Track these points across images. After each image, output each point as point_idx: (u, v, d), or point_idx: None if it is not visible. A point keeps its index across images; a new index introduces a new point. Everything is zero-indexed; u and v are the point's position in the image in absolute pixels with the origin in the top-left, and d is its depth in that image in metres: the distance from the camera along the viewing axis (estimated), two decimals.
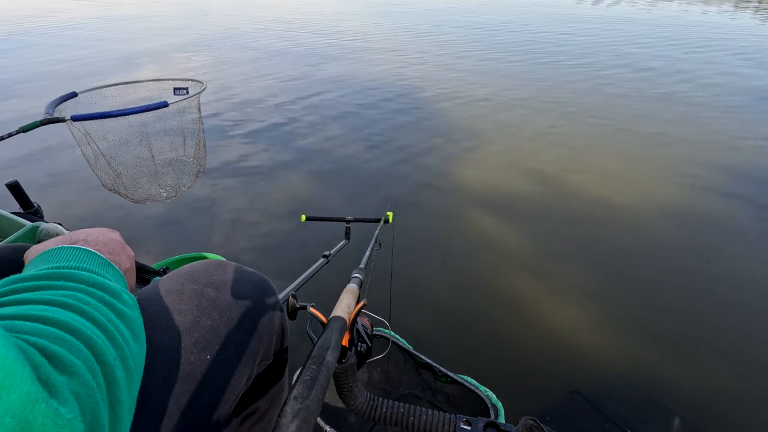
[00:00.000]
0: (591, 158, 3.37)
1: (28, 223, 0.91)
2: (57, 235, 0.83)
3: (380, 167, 3.16)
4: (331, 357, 0.45)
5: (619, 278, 2.10)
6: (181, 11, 11.43)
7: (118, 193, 1.48)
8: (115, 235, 0.51)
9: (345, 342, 0.60)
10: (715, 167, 3.21)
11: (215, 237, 2.29)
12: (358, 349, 0.75)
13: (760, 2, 14.91)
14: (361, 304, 0.61)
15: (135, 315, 0.38)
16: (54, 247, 0.42)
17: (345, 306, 0.63)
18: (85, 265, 0.39)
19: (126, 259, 0.49)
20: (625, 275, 2.12)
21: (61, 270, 0.37)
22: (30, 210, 1.14)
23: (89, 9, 11.34)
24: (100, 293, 0.36)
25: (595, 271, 2.15)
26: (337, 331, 0.52)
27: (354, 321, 0.61)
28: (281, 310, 0.61)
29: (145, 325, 0.42)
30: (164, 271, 0.96)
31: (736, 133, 3.84)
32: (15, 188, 1.11)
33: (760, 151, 3.51)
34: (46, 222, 1.15)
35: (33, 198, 1.19)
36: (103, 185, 1.47)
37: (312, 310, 0.57)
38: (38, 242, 0.89)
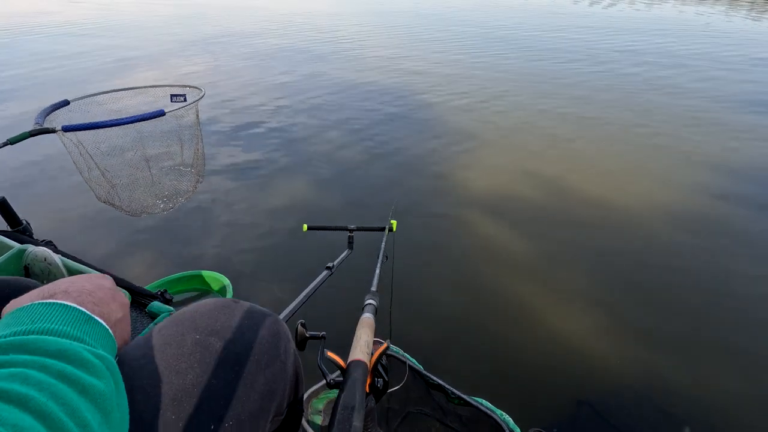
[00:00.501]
0: (593, 161, 3.34)
1: (16, 245, 0.84)
2: (45, 260, 0.77)
3: (380, 171, 3.11)
4: (357, 421, 0.39)
5: (625, 284, 2.06)
6: (178, 13, 11.35)
7: (113, 205, 1.42)
8: (106, 282, 0.44)
9: (366, 387, 0.54)
10: (719, 169, 3.18)
11: (213, 247, 2.22)
12: (376, 385, 0.69)
13: (753, 2, 14.99)
14: (384, 346, 0.54)
15: (108, 388, 0.31)
16: (26, 303, 0.36)
17: (364, 345, 0.56)
18: (54, 326, 0.33)
19: (117, 307, 0.42)
20: (632, 280, 2.08)
21: (17, 338, 0.30)
22: (18, 228, 1.07)
23: (85, 11, 11.24)
24: (61, 365, 0.29)
25: (601, 276, 2.11)
26: (360, 382, 0.46)
27: (376, 364, 0.55)
28: (295, 354, 0.54)
29: (132, 392, 0.36)
30: (161, 294, 0.90)
31: (736, 134, 3.82)
32: (2, 205, 1.04)
33: (761, 151, 3.49)
34: (36, 240, 1.09)
35: (21, 214, 1.12)
36: (97, 198, 1.41)
37: (330, 354, 0.51)
38: (25, 267, 0.83)
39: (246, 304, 0.51)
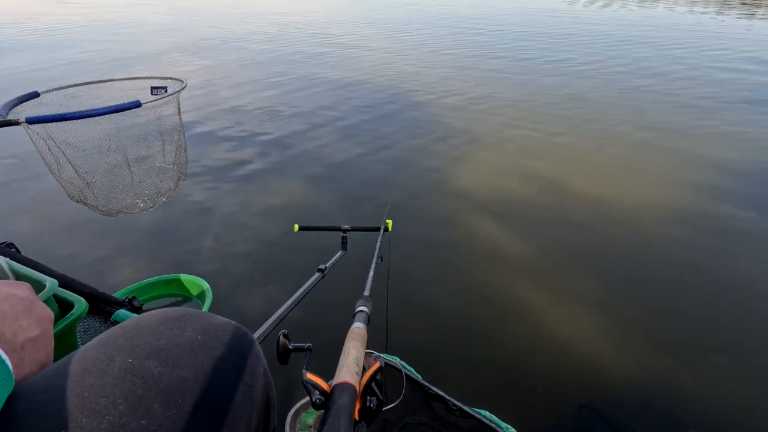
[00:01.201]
0: (592, 160, 3.30)
1: None
2: None
3: (374, 171, 3.04)
4: None
5: (626, 284, 2.01)
6: (170, 14, 11.25)
7: (87, 204, 1.32)
8: (18, 291, 0.35)
9: (355, 413, 0.45)
10: (720, 168, 3.14)
11: (197, 250, 2.13)
12: (368, 405, 0.59)
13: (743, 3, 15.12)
14: (376, 366, 0.46)
15: None
16: None
17: (352, 362, 0.48)
18: None
19: (31, 324, 0.33)
20: (632, 281, 2.03)
21: None
22: None
23: (77, 12, 11.10)
24: None
25: (601, 277, 2.06)
26: (346, 411, 0.37)
27: (368, 385, 0.46)
28: (266, 375, 0.44)
29: None
30: (129, 302, 0.80)
31: (739, 133, 3.79)
32: None
33: (762, 150, 3.46)
34: None
35: None
36: (69, 196, 1.31)
37: (309, 376, 0.42)
38: None
39: (204, 315, 0.41)
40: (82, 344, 0.80)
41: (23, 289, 0.36)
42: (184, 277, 1.23)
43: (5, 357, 0.29)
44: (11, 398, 0.29)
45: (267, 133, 3.62)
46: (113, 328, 0.37)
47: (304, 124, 3.84)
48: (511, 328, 1.76)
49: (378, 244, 1.34)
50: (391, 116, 4.09)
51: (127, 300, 0.80)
